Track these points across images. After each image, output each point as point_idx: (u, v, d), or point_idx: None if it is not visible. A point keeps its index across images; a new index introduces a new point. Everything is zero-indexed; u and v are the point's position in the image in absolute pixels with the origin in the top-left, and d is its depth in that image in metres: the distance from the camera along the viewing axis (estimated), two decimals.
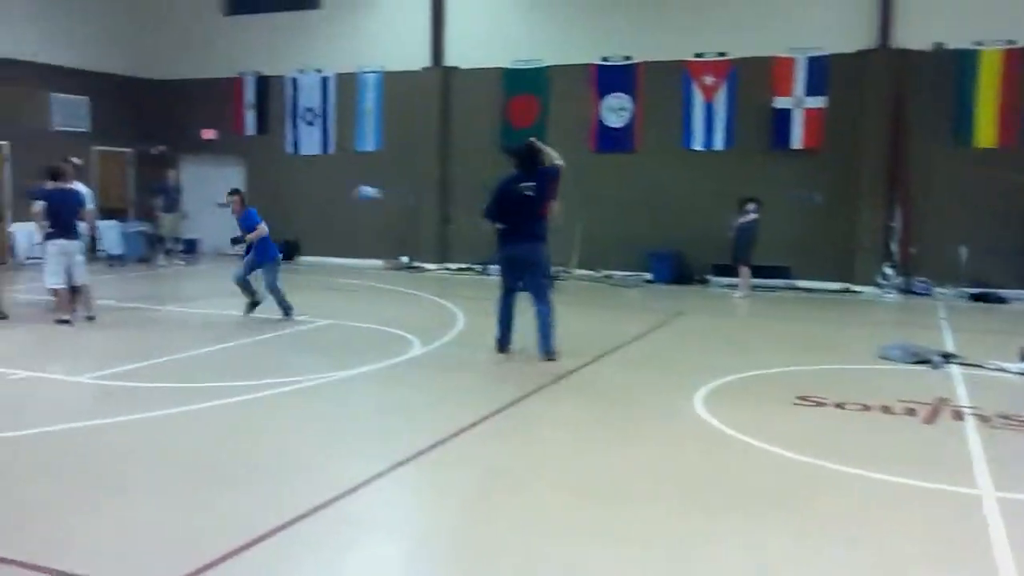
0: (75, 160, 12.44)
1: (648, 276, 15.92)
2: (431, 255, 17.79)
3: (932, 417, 6.78)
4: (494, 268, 12.75)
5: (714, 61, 15.82)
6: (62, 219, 10.37)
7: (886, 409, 6.95)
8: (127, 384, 7.52)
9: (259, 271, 10.82)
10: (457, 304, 12.44)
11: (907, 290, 14.55)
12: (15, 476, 5.24)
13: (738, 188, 14.58)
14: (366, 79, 18.43)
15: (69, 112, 18.40)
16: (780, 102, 15.40)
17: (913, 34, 14.63)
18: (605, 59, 16.50)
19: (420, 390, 7.61)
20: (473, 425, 6.37)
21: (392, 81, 18.16)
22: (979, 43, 14.32)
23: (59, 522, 4.53)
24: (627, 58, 16.36)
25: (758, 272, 14.35)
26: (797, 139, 15.37)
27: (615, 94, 16.49)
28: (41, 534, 4.36)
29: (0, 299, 10.70)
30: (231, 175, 18.71)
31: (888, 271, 14.69)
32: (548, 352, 8.58)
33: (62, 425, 6.26)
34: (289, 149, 19.13)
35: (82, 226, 10.92)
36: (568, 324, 8.89)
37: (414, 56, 17.79)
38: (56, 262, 10.30)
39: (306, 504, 4.67)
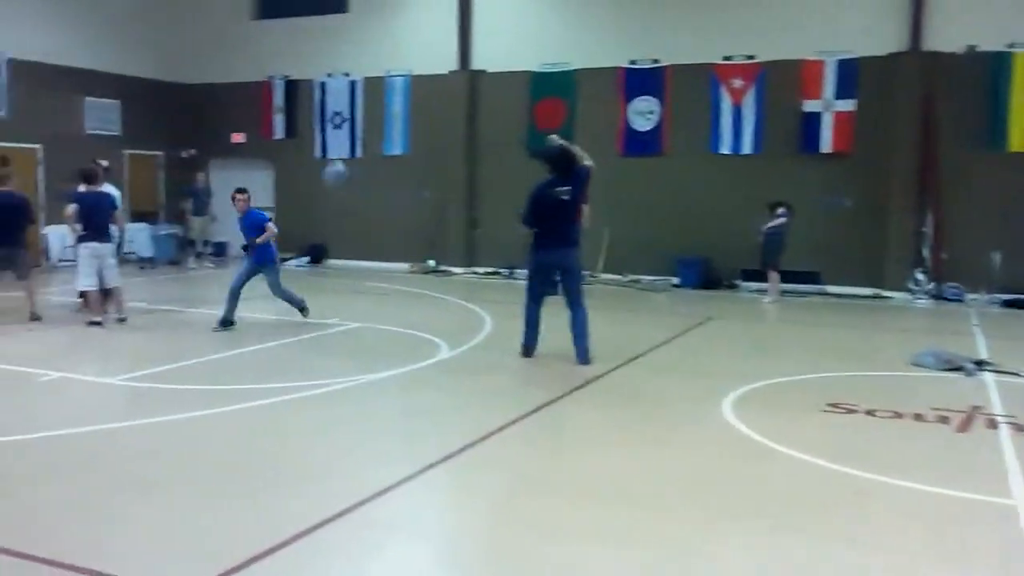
0: (103, 162, 12.55)
1: (675, 281, 15.83)
2: (458, 259, 17.81)
3: (966, 425, 6.68)
4: (521, 272, 12.74)
5: (742, 64, 15.72)
6: (94, 222, 10.49)
7: (918, 417, 6.86)
8: (157, 386, 7.59)
9: (261, 274, 10.56)
10: (484, 308, 12.43)
11: (939, 296, 14.34)
12: (47, 477, 5.29)
13: (766, 192, 14.46)
14: (394, 83, 18.49)
15: (101, 116, 18.60)
16: (809, 105, 15.25)
17: (945, 36, 14.41)
18: (633, 62, 16.43)
19: (448, 393, 7.62)
20: (501, 429, 6.36)
21: (419, 85, 18.20)
22: (1012, 45, 14.10)
23: (90, 523, 4.58)
24: (655, 61, 16.28)
25: (787, 277, 14.22)
26: (826, 143, 15.21)
27: (643, 97, 16.42)
28: (73, 535, 4.41)
29: (34, 301, 10.83)
30: (260, 179, 18.88)
31: (919, 277, 14.51)
32: (585, 356, 8.57)
33: (93, 426, 6.34)
34: (317, 153, 19.23)
35: (113, 228, 11.05)
36: (596, 329, 8.86)
37: (441, 59, 17.82)
38: (88, 264, 10.42)
39: (333, 508, 4.69)
